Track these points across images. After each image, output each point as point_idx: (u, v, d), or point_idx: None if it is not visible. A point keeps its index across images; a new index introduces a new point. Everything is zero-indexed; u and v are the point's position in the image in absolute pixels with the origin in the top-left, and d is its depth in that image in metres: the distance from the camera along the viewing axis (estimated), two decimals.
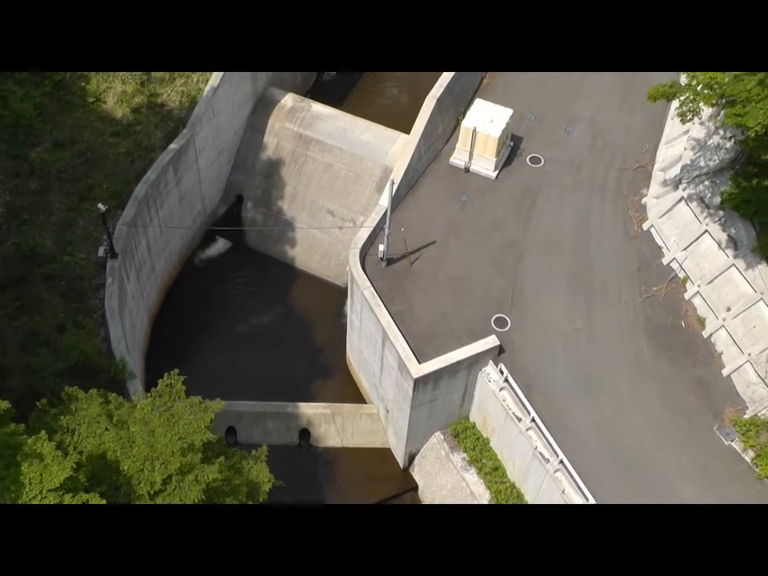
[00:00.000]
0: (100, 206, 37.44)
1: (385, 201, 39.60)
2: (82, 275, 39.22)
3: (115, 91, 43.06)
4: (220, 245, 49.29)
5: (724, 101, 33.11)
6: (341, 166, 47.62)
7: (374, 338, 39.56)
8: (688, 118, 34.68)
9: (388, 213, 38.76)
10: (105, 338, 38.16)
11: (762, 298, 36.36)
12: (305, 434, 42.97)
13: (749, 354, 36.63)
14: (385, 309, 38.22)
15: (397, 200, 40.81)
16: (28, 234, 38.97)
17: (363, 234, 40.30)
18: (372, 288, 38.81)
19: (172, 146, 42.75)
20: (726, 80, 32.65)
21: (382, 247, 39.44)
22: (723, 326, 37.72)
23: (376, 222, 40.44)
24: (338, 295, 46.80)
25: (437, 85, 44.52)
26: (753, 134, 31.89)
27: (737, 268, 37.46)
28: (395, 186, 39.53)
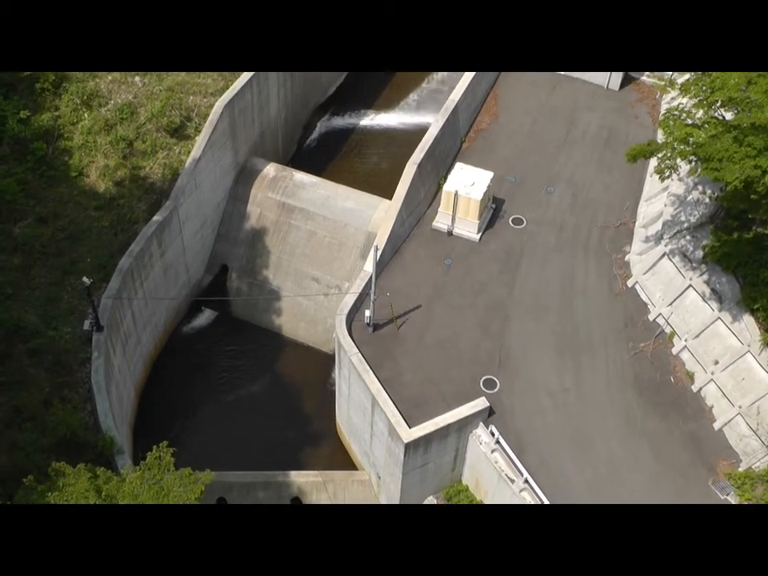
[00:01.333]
0: (85, 279, 37.35)
1: (369, 266, 39.67)
2: (68, 349, 38.98)
3: (98, 165, 43.30)
4: (206, 315, 49.16)
5: (701, 158, 33.55)
6: (324, 234, 47.79)
7: (363, 404, 39.32)
8: (666, 175, 35.12)
9: (373, 278, 38.81)
10: (91, 412, 37.79)
11: (749, 350, 36.43)
12: (296, 502, 42.46)
13: (739, 407, 36.58)
14: (373, 374, 38.05)
15: (381, 265, 40.88)
16: (12, 309, 38.78)
17: (349, 300, 40.30)
18: (359, 354, 38.69)
19: (155, 218, 42.86)
20: (702, 138, 33.17)
21: (368, 313, 39.42)
22: (712, 379, 37.71)
23: (361, 287, 40.46)
24: (325, 362, 46.60)
25: (417, 150, 44.91)
26: (732, 189, 32.23)
27: (722, 321, 37.60)
28: (379, 252, 39.63)
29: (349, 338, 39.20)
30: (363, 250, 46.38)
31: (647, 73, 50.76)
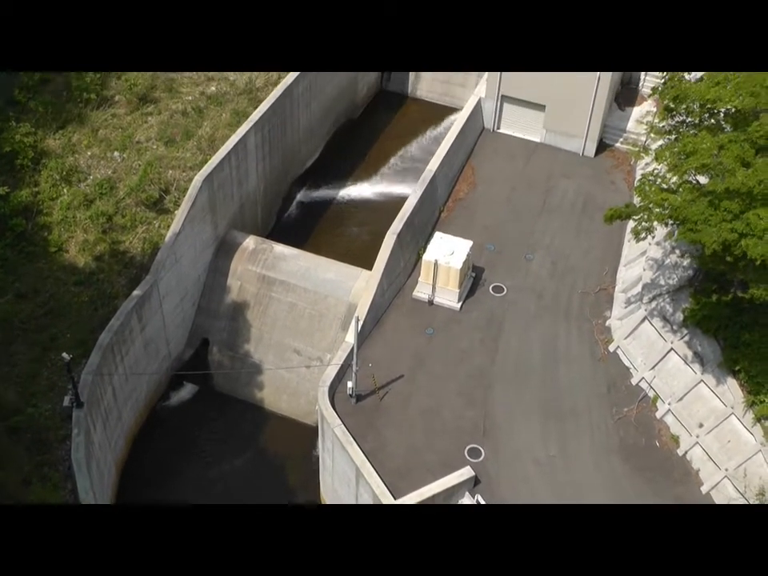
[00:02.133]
0: (64, 355, 37.01)
1: (351, 338, 39.60)
2: (48, 426, 38.45)
3: (77, 240, 43.26)
4: (187, 389, 48.71)
5: (677, 222, 33.94)
6: (305, 305, 47.73)
7: (347, 476, 38.90)
8: (642, 237, 35.47)
9: (354, 350, 38.72)
10: (72, 491, 37.13)
11: (732, 412, 36.40)
12: None
13: (726, 470, 36.39)
14: (357, 446, 37.73)
15: (363, 336, 40.82)
16: None
17: (331, 372, 40.13)
18: (342, 425, 38.40)
19: (135, 292, 42.72)
20: (678, 201, 33.58)
21: (350, 384, 39.25)
22: (697, 442, 37.58)
23: (343, 359, 40.32)
24: (308, 434, 46.15)
25: (396, 220, 45.19)
26: (710, 251, 32.53)
27: (705, 384, 37.61)
28: (360, 323, 39.61)
29: (332, 409, 38.93)
30: (344, 321, 46.32)
31: (621, 139, 51.59)
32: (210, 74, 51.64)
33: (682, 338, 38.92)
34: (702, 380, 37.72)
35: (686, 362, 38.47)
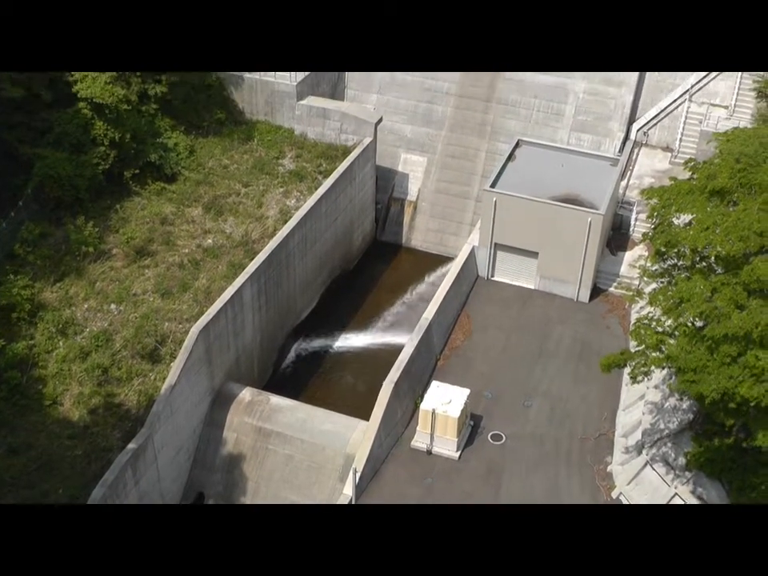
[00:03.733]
0: None
1: (348, 490, 39.06)
2: None
3: (72, 393, 42.99)
4: None
5: (676, 369, 33.91)
6: (302, 457, 47.05)
7: None
8: (639, 380, 35.35)
9: (353, 501, 38.05)
10: None
11: None
12: None
13: None
14: None
15: (360, 488, 40.22)
16: None
17: None
18: None
19: (130, 445, 42.13)
20: (674, 349, 33.63)
21: None
22: None
23: None
24: None
25: (392, 369, 45.10)
26: (709, 401, 32.43)
27: None
28: (358, 475, 39.06)
29: None
30: (342, 472, 45.57)
31: (615, 284, 52.09)
32: (207, 226, 52.50)
33: (685, 483, 38.32)
34: None
35: None
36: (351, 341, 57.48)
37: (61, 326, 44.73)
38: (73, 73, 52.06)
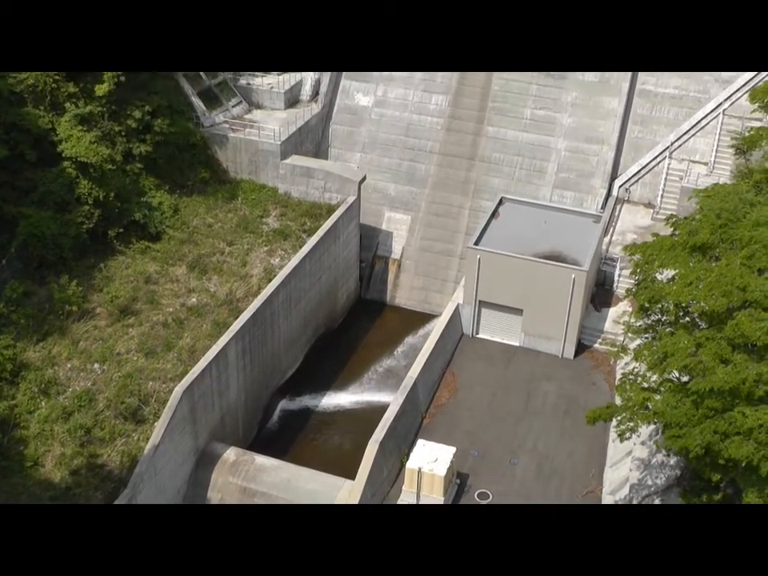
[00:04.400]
0: None
1: None
2: None
3: (54, 454, 42.45)
4: None
5: (662, 424, 33.82)
6: None
7: None
8: (626, 437, 35.17)
9: None
10: None
11: None
12: None
13: None
14: None
15: None
16: None
17: None
18: None
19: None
20: (659, 405, 33.58)
21: None
22: None
23: None
24: None
25: (378, 428, 44.82)
26: (694, 455, 32.30)
27: None
28: None
29: None
30: None
31: (599, 340, 52.15)
32: (191, 285, 52.42)
33: None
34: None
35: None
36: (336, 399, 57.16)
37: (43, 385, 44.35)
38: (58, 132, 52.29)
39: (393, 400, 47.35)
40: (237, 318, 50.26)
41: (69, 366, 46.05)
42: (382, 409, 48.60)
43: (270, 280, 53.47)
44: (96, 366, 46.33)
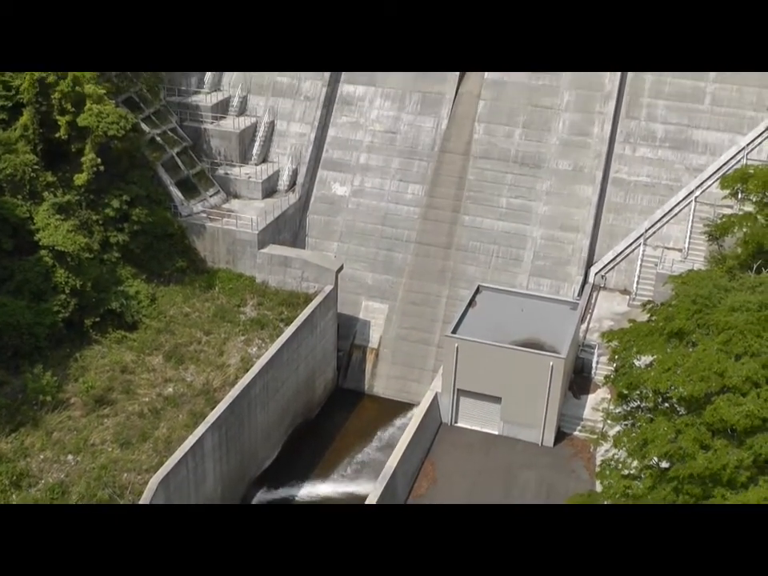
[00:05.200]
0: None
1: None
2: None
3: None
4: None
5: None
6: None
7: None
8: None
9: None
10: None
11: None
12: None
13: None
14: None
15: None
16: None
17: None
18: None
19: None
20: (640, 490, 33.34)
21: None
22: None
23: None
24: None
25: None
26: None
27: None
28: None
29: None
30: None
31: (579, 427, 51.91)
32: (167, 375, 52.04)
33: None
34: None
35: None
36: (314, 490, 56.38)
37: (15, 477, 43.43)
38: (35, 221, 52.39)
39: (371, 491, 46.70)
40: (213, 408, 49.80)
41: (42, 457, 45.25)
42: (360, 499, 47.98)
43: (247, 370, 53.17)
44: (70, 457, 45.58)
